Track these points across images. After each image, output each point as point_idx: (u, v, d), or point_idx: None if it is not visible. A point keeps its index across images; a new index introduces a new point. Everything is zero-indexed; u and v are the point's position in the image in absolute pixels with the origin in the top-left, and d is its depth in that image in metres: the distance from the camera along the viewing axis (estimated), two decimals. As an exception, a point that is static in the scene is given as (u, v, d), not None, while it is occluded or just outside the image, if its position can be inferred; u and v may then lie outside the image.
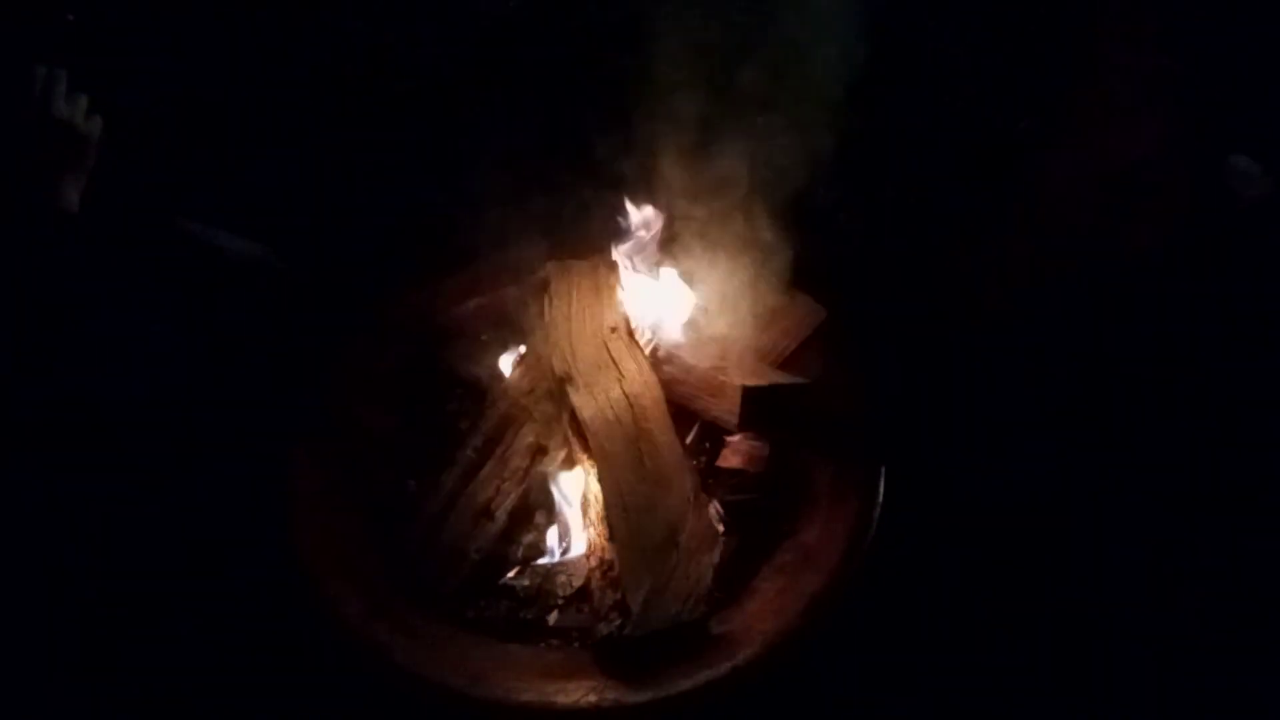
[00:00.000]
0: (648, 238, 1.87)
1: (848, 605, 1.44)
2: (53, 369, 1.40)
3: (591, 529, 1.57)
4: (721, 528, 1.61)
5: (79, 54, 1.42)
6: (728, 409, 1.62)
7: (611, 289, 1.82)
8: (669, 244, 1.87)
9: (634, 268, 1.86)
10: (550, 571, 1.60)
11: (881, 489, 1.54)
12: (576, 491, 1.63)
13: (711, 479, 1.70)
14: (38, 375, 1.39)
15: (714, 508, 1.63)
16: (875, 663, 1.58)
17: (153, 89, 1.50)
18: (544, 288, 1.80)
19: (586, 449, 1.59)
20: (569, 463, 1.66)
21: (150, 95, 1.50)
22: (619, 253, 1.87)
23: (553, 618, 1.54)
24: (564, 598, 1.56)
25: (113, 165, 1.44)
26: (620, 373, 1.65)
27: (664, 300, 1.86)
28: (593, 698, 1.31)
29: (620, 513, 1.47)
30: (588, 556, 1.56)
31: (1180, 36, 1.66)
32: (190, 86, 1.74)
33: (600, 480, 1.53)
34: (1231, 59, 1.70)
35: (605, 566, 1.49)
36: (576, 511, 1.62)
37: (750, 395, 1.58)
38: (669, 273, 1.87)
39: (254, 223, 2.14)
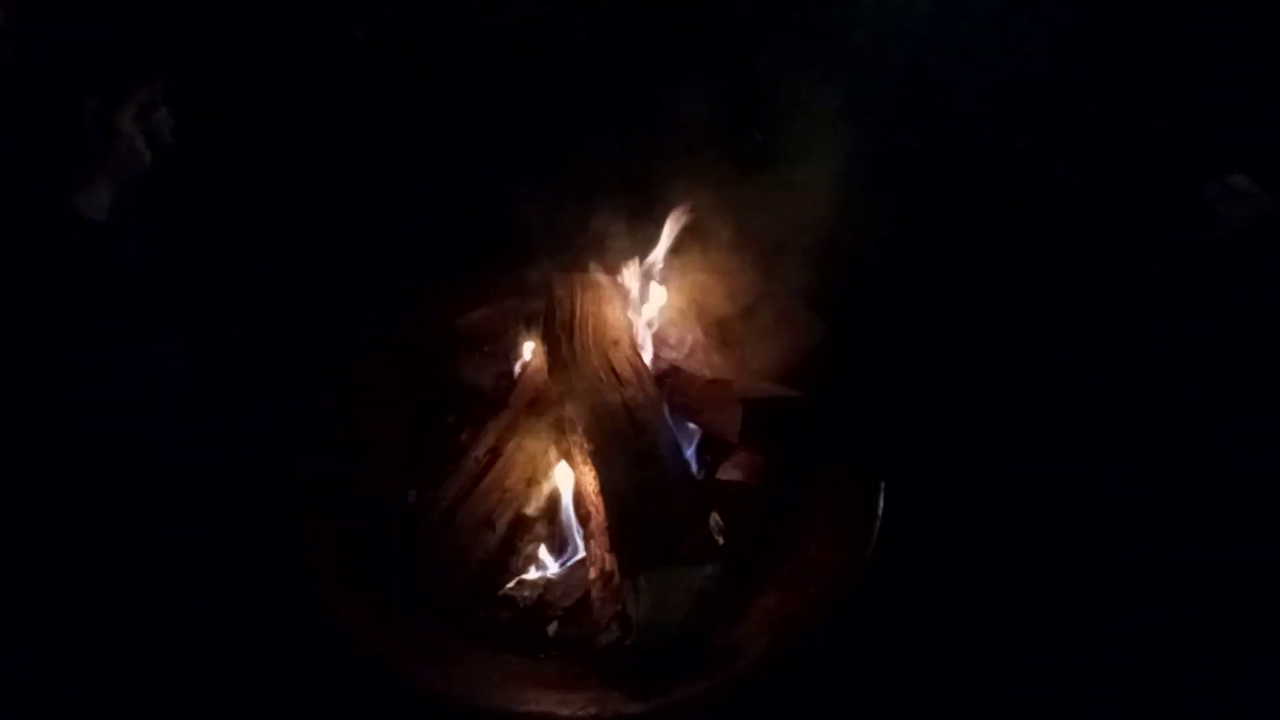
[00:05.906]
0: (655, 251, 1.88)
1: (847, 618, 1.44)
2: (58, 376, 1.40)
3: (592, 540, 1.57)
4: (721, 540, 1.62)
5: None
6: (729, 422, 1.62)
7: (614, 301, 1.83)
8: (675, 257, 1.89)
9: (639, 280, 1.87)
10: (551, 582, 1.60)
11: (881, 502, 1.55)
12: (577, 503, 1.64)
13: (712, 491, 1.71)
14: (44, 383, 1.40)
15: (714, 520, 1.64)
16: (874, 675, 1.58)
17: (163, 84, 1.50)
18: (547, 299, 1.81)
19: (588, 460, 1.59)
20: (570, 474, 1.67)
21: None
22: (625, 265, 1.88)
23: (553, 628, 1.55)
24: (564, 608, 1.57)
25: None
26: (622, 384, 1.65)
27: (667, 313, 1.87)
28: (593, 709, 1.31)
29: (621, 524, 1.47)
30: (588, 568, 1.56)
31: (1179, 61, 1.68)
32: (199, 86, 1.74)
33: (601, 492, 1.53)
34: (1229, 82, 1.72)
35: (605, 578, 1.50)
36: (577, 523, 1.63)
37: (751, 408, 1.59)
38: (674, 286, 1.88)
39: (263, 231, 2.15)
